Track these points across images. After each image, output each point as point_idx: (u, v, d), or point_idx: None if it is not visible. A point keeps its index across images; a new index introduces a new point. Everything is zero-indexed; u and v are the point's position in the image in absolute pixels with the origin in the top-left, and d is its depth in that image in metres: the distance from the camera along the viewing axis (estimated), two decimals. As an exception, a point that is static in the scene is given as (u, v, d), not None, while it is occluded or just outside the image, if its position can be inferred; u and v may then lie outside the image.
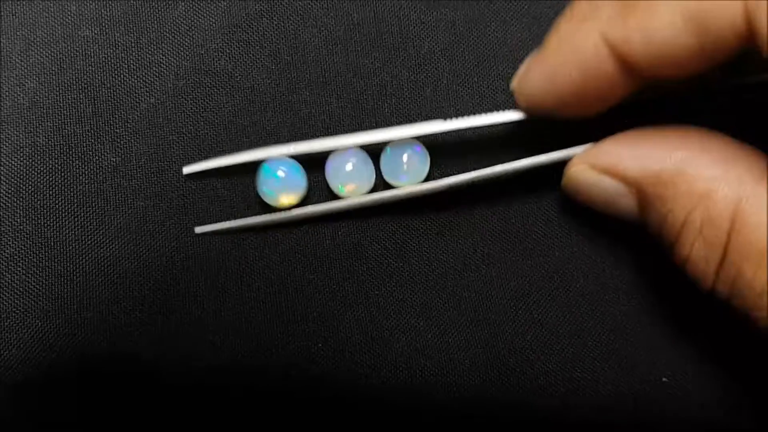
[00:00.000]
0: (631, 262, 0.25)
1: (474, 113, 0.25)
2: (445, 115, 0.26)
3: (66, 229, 0.25)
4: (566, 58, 0.20)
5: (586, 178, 0.22)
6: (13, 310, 0.24)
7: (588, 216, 0.24)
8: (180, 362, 0.24)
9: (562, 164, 0.23)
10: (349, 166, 0.24)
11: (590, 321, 0.25)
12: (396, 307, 0.25)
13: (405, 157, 0.24)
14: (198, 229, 0.25)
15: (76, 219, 0.25)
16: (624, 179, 0.21)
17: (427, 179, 0.25)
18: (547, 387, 0.24)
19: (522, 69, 0.22)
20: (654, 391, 0.24)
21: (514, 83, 0.23)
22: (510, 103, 0.26)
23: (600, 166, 0.22)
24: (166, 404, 0.24)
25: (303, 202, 0.25)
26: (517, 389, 0.24)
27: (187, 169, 0.25)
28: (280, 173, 0.24)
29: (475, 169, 0.24)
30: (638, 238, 0.23)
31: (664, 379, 0.24)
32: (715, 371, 0.24)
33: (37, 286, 0.24)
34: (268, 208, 0.25)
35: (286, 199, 0.25)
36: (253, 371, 0.24)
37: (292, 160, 0.25)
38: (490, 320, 0.25)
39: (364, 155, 0.25)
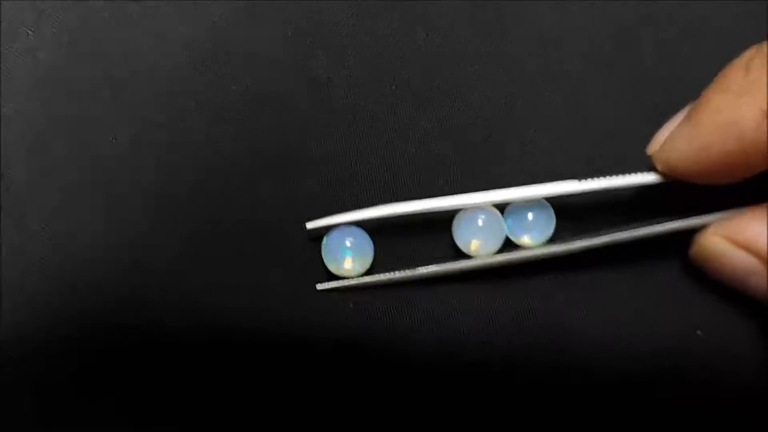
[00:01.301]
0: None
1: (494, 73, 0.25)
2: (464, 75, 0.25)
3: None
4: (723, 131, 0.21)
5: (720, 249, 0.22)
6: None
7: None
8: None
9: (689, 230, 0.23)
10: (479, 222, 0.24)
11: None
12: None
13: (530, 215, 0.24)
14: (320, 286, 0.24)
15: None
16: (761, 257, 0.22)
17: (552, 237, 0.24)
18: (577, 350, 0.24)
19: (664, 135, 0.23)
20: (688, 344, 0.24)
21: (654, 149, 0.23)
22: (528, 61, 0.25)
23: (737, 240, 0.22)
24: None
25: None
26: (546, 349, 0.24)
27: (311, 225, 0.24)
28: (348, 243, 0.24)
29: (600, 228, 0.24)
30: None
31: (698, 332, 0.24)
32: (750, 324, 0.24)
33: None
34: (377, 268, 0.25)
35: (356, 265, 0.24)
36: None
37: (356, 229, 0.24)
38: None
39: (493, 210, 0.24)
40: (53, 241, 0.24)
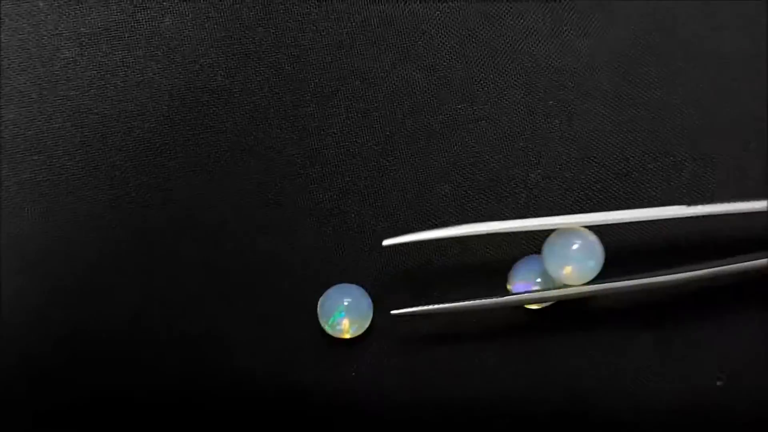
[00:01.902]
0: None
1: (492, 113, 0.24)
2: (461, 116, 0.24)
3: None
4: None
5: None
6: None
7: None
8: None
9: None
10: (575, 246, 0.22)
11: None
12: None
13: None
14: (394, 312, 0.23)
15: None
16: None
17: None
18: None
19: None
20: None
21: None
22: (532, 99, 0.24)
23: None
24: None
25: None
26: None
27: (387, 242, 0.22)
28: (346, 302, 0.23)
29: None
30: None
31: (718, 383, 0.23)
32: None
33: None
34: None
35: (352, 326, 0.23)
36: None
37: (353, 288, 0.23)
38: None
39: (590, 234, 0.22)
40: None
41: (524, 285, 0.23)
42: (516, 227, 0.22)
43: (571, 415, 0.23)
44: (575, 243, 0.22)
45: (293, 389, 0.23)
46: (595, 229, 0.22)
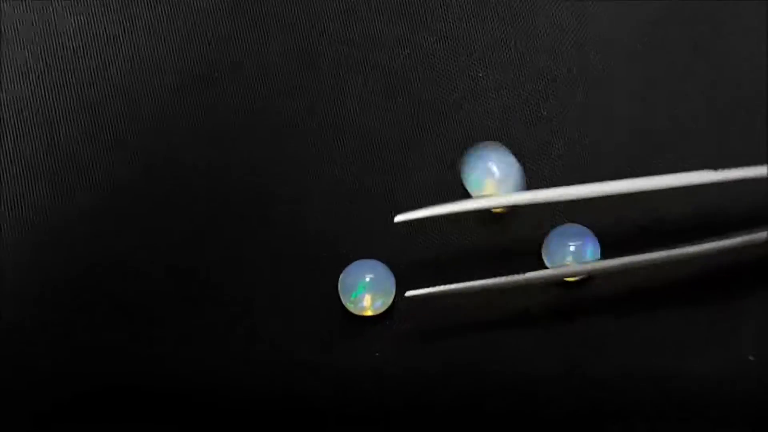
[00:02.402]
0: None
1: (515, 80, 0.23)
2: (481, 83, 0.23)
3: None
4: None
5: None
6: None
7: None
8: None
9: None
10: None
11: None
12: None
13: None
14: (409, 293, 0.21)
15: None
16: None
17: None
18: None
19: None
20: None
21: None
22: (556, 65, 0.23)
23: None
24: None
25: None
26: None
27: (399, 218, 0.21)
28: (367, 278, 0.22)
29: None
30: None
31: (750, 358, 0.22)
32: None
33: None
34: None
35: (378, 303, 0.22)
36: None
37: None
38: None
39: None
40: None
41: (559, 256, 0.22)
42: (534, 199, 0.21)
43: (596, 393, 0.22)
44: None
45: (314, 369, 0.22)
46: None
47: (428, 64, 0.23)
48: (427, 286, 0.22)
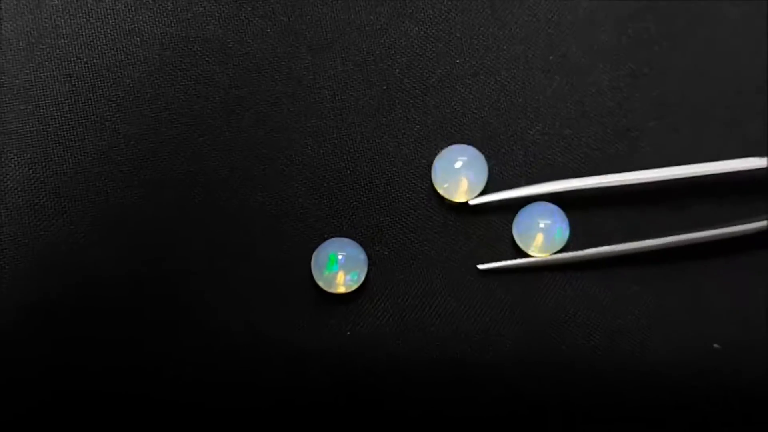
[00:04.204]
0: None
1: (491, 67, 0.23)
2: (458, 68, 0.23)
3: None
4: None
5: None
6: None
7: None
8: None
9: None
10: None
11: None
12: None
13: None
14: (482, 266, 0.23)
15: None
16: None
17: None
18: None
19: None
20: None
21: None
22: (532, 53, 0.24)
23: None
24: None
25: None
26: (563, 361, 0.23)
27: (474, 201, 0.23)
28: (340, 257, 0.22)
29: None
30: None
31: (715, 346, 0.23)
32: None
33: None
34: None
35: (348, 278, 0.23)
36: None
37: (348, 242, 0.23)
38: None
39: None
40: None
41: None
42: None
43: (567, 375, 0.23)
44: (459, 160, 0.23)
45: (286, 348, 0.23)
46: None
47: (406, 48, 0.24)
48: (400, 269, 0.22)
